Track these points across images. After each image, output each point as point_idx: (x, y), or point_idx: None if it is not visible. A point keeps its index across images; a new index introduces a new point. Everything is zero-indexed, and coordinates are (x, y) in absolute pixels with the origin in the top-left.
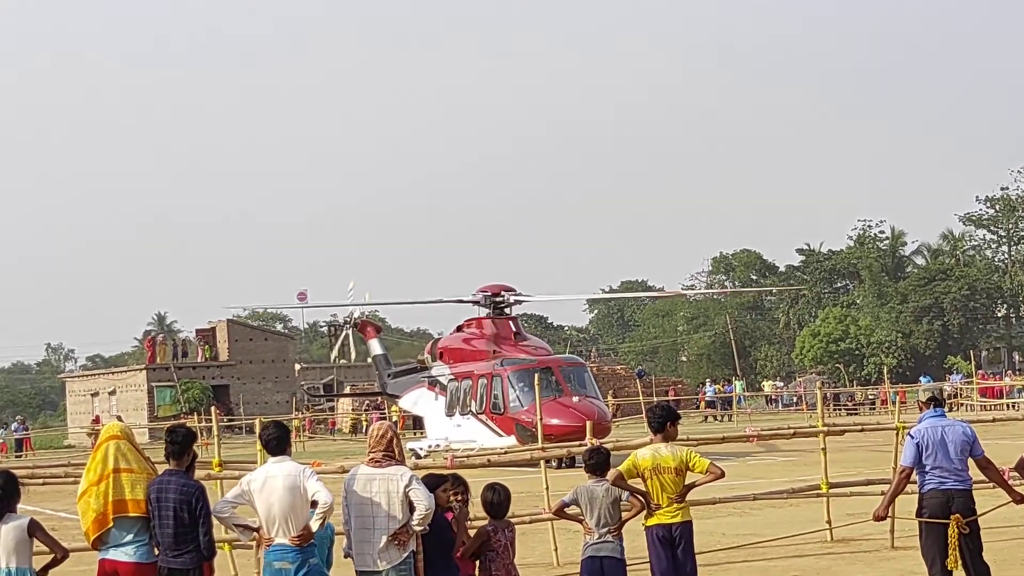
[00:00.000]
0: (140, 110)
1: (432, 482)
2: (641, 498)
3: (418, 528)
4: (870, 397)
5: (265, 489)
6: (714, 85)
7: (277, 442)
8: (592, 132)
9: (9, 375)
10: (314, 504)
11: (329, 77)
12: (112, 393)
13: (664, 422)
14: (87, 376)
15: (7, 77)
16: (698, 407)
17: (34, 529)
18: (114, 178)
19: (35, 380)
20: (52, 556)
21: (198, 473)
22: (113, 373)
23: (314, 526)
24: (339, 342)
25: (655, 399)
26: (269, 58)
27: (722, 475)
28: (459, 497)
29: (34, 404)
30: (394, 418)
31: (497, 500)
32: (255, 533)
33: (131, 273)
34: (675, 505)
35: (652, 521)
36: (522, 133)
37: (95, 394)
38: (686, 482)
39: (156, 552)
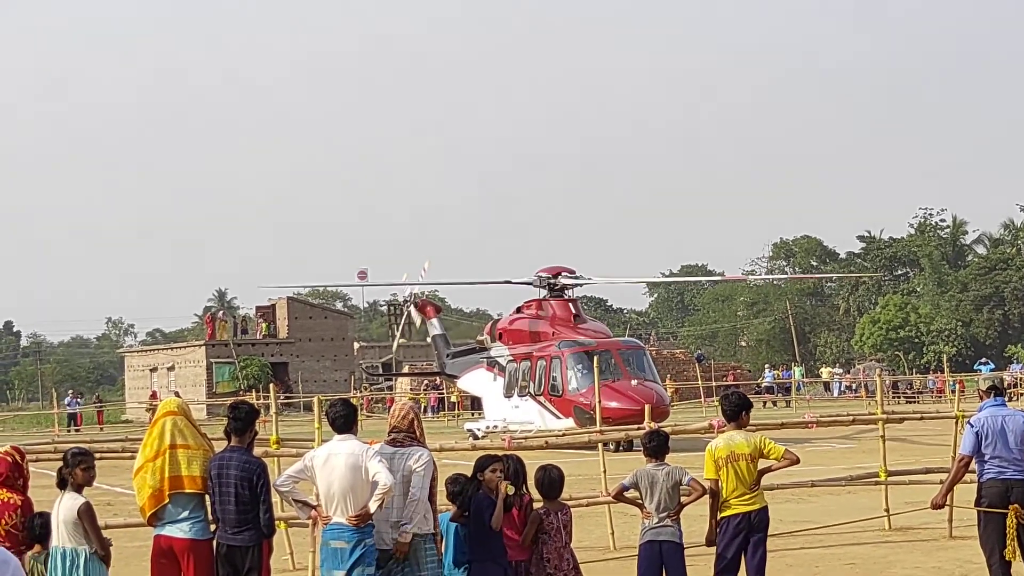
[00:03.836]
0: (196, 93)
1: (483, 463)
2: (702, 484)
3: (373, 506)
4: (928, 387)
5: (327, 466)
6: (776, 71)
7: (344, 420)
8: (652, 117)
9: (69, 349)
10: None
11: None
12: (171, 369)
13: (740, 411)
14: (146, 351)
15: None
16: (758, 392)
17: (82, 513)
18: (177, 157)
19: (94, 354)
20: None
21: (256, 450)
22: (172, 349)
23: (372, 507)
24: (403, 322)
25: (714, 384)
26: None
27: (797, 461)
28: (497, 473)
29: (93, 378)
30: (452, 398)
31: (549, 480)
32: (313, 510)
33: (193, 249)
34: (750, 493)
35: (730, 511)
36: (584, 119)
37: (154, 369)
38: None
39: (212, 528)
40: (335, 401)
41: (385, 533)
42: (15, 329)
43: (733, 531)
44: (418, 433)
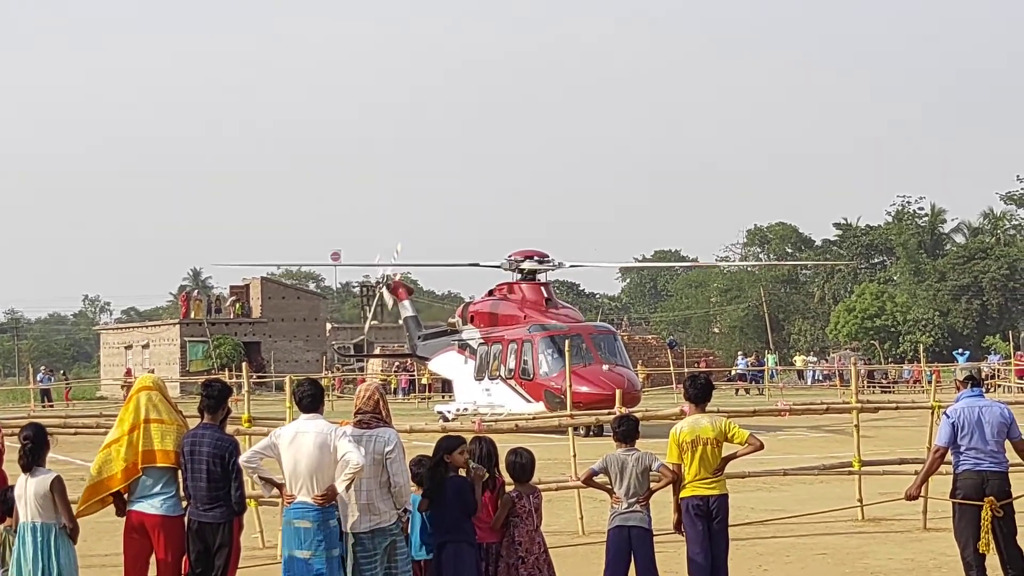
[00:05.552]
0: (194, 72)
1: (449, 445)
2: (670, 469)
3: (340, 485)
4: (904, 376)
5: (293, 445)
6: (752, 58)
7: (311, 399)
8: (628, 100)
9: (45, 325)
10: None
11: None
12: (145, 347)
13: (707, 395)
14: (121, 329)
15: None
16: (731, 379)
17: (53, 488)
18: (153, 134)
19: (70, 331)
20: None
21: (228, 428)
22: (147, 327)
23: (340, 487)
24: (375, 303)
25: (686, 370)
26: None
27: (761, 447)
28: (464, 455)
29: (68, 355)
30: (423, 380)
31: (520, 463)
32: (276, 488)
33: (168, 228)
34: (712, 478)
35: (688, 492)
36: (563, 103)
37: (129, 347)
38: (724, 453)
39: (184, 505)
40: (302, 380)
41: (363, 515)
42: None
43: (692, 514)
44: (384, 414)
